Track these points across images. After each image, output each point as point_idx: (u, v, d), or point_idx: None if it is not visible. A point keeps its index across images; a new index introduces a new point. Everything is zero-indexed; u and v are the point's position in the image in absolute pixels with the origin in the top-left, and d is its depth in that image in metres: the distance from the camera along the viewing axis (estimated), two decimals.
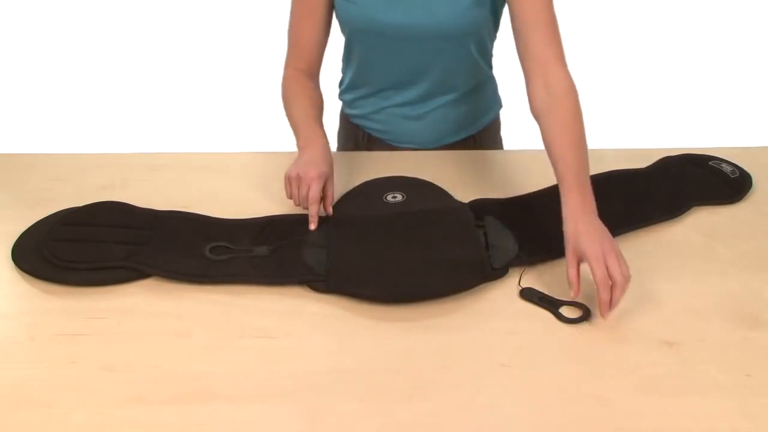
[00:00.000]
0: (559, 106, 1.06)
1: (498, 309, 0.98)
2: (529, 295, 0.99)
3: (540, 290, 1.00)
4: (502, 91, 1.48)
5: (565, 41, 1.12)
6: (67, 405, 0.82)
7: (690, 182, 1.25)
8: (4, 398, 0.83)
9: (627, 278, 0.93)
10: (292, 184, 1.11)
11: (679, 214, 1.18)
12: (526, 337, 0.93)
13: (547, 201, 1.18)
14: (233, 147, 2.02)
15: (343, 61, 1.39)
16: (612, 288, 0.93)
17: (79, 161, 1.32)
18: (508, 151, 1.41)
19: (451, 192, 1.20)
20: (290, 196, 1.12)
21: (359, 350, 0.91)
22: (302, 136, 1.17)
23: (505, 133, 1.52)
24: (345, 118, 1.47)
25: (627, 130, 3.08)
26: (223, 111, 3.32)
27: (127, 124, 3.26)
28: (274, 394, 0.84)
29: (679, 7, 4.21)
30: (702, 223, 1.17)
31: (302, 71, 1.26)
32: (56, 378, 0.86)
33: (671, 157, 1.34)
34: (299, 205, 1.12)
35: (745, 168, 1.29)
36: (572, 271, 0.96)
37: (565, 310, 0.97)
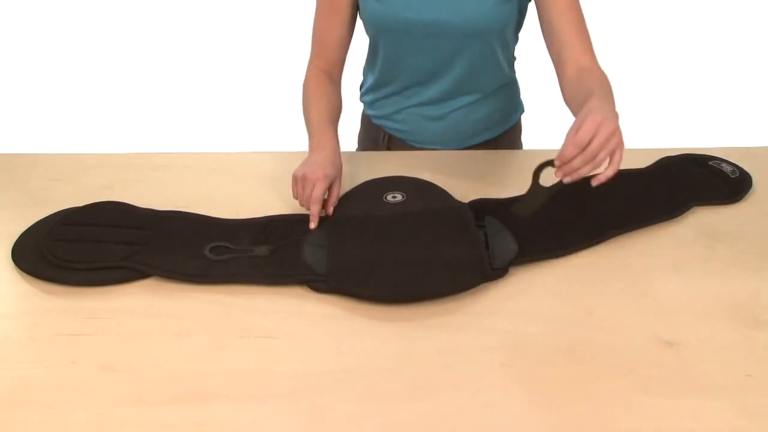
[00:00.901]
0: (590, 76, 1.08)
1: (498, 309, 0.98)
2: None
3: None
4: (525, 96, 1.48)
5: None
6: (67, 405, 0.82)
7: (690, 182, 1.25)
8: (4, 398, 0.83)
9: (587, 153, 0.90)
10: (298, 183, 1.11)
11: (679, 214, 1.17)
12: (526, 337, 0.93)
13: (548, 201, 1.18)
14: (233, 147, 2.02)
15: (366, 62, 1.40)
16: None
17: (79, 161, 1.32)
18: (510, 152, 1.41)
19: (451, 192, 1.20)
20: (296, 196, 1.13)
21: (359, 350, 0.91)
22: (314, 137, 1.18)
23: (525, 137, 1.52)
24: (366, 119, 1.48)
25: (627, 130, 3.07)
26: (223, 111, 3.31)
27: (127, 124, 3.26)
28: (274, 394, 0.84)
29: (679, 7, 4.21)
30: (702, 223, 1.17)
31: (324, 71, 1.27)
32: (56, 378, 0.86)
33: (671, 157, 1.34)
34: (303, 205, 1.12)
35: (745, 168, 1.29)
36: (570, 134, 0.93)
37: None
